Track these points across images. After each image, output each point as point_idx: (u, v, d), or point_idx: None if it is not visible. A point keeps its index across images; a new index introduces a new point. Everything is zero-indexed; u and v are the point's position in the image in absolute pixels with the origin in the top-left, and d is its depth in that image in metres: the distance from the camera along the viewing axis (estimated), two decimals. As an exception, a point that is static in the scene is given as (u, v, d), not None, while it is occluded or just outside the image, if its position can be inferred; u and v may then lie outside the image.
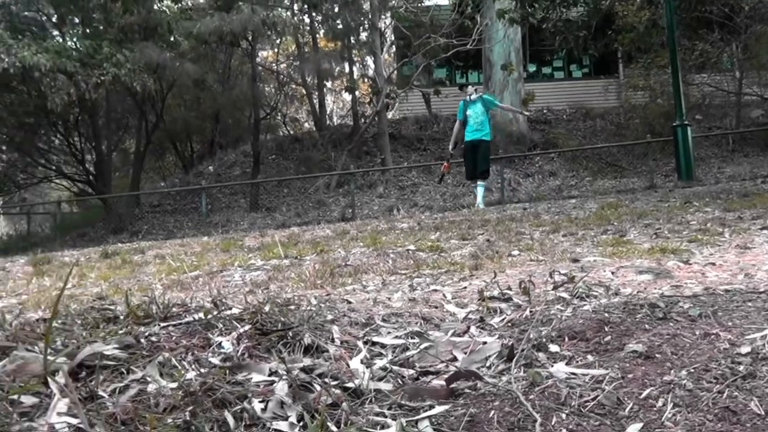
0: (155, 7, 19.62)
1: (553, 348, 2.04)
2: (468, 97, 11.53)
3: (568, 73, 23.99)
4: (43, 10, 20.35)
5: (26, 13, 19.89)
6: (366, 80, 24.83)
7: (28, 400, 1.66)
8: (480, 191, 11.86)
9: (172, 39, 19.04)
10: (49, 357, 1.85)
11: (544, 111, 21.79)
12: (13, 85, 18.24)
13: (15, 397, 1.63)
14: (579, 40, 14.64)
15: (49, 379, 1.74)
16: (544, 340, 2.09)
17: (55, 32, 20.29)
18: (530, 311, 2.40)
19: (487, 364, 1.96)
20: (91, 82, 16.53)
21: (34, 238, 20.27)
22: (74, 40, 19.66)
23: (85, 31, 19.72)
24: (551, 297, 2.70)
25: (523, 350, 1.95)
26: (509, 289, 2.88)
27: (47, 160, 22.82)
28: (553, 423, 1.55)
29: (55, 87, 16.63)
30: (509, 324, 2.32)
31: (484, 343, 2.11)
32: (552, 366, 1.89)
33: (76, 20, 20.64)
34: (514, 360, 1.90)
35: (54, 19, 20.50)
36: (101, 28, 19.03)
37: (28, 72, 16.09)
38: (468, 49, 17.33)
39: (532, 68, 23.34)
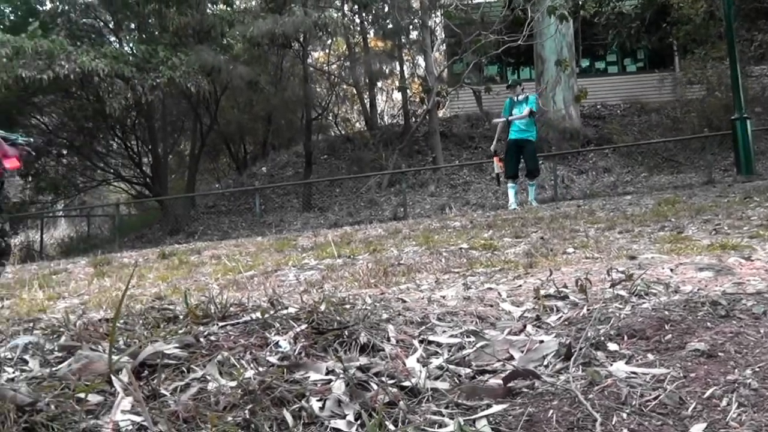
0: (208, 10, 19.94)
1: (612, 347, 2.01)
2: (516, 96, 11.42)
3: (622, 67, 23.56)
4: (101, 17, 20.85)
5: (84, 20, 20.39)
6: (417, 79, 24.81)
7: (93, 398, 1.70)
8: (532, 189, 11.79)
9: (225, 42, 19.31)
10: (112, 356, 1.90)
11: (598, 106, 21.45)
12: (72, 91, 18.74)
13: (81, 395, 1.68)
14: (632, 33, 14.38)
15: (113, 378, 1.78)
16: (602, 338, 2.06)
17: (113, 38, 20.78)
18: (588, 309, 2.36)
19: (545, 363, 1.94)
20: (147, 85, 16.88)
21: (94, 239, 20.81)
22: (131, 45, 20.12)
23: (141, 36, 20.15)
24: (609, 295, 2.66)
25: (581, 349, 1.93)
26: (565, 287, 2.84)
27: (106, 164, 23.34)
28: (613, 423, 1.53)
29: (112, 91, 17.03)
30: (566, 322, 2.30)
31: (541, 341, 2.08)
32: (611, 365, 1.86)
33: (132, 26, 21.11)
34: (572, 359, 1.88)
35: (111, 26, 20.99)
36: (156, 33, 19.41)
37: (86, 77, 16.51)
38: (519, 45, 17.14)
39: (584, 63, 22.98)
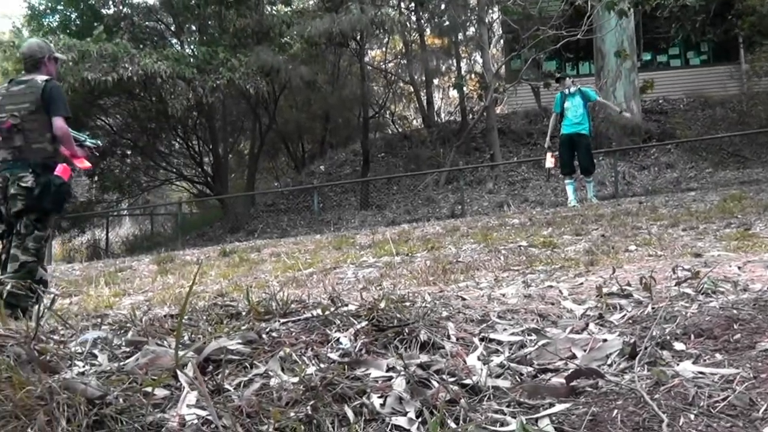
0: (267, 11, 20.18)
1: (678, 346, 1.97)
2: (566, 89, 11.25)
3: (685, 61, 22.98)
4: (163, 20, 21.28)
5: (147, 23, 20.86)
6: (474, 76, 24.65)
7: (159, 392, 1.74)
8: (590, 186, 11.60)
9: (283, 42, 19.51)
10: (178, 351, 1.94)
11: (660, 101, 20.97)
12: (136, 92, 19.17)
13: (148, 389, 1.72)
14: (697, 25, 14.01)
15: (179, 373, 1.82)
16: (668, 337, 2.01)
17: (174, 40, 21.20)
18: (652, 308, 2.31)
19: (608, 362, 1.90)
20: (208, 86, 17.17)
21: (157, 237, 21.29)
22: (191, 47, 20.49)
23: (201, 38, 20.50)
24: (674, 293, 2.60)
25: (646, 348, 1.89)
26: (629, 285, 2.78)
27: (168, 163, 23.81)
28: (680, 424, 1.49)
29: (174, 93, 17.35)
30: (630, 321, 2.25)
31: (604, 340, 2.05)
32: (678, 365, 1.82)
33: (193, 28, 21.48)
34: (637, 358, 1.84)
35: (172, 28, 21.40)
36: (216, 34, 19.71)
37: (149, 79, 16.88)
38: (578, 39, 16.85)
39: (646, 57, 22.47)
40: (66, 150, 4.96)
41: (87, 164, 5.15)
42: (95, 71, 15.86)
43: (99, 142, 5.90)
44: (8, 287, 3.94)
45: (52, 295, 2.81)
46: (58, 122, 4.86)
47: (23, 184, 4.76)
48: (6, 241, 4.93)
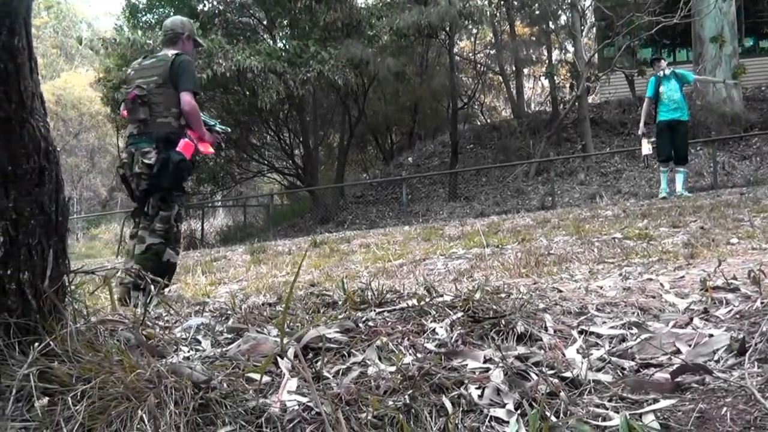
0: (356, 4, 20.31)
1: (791, 343, 1.88)
2: (660, 72, 10.82)
3: (791, 46, 21.92)
4: (255, 15, 21.69)
5: (240, 19, 21.31)
6: (565, 65, 24.19)
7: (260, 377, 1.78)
8: (681, 177, 11.13)
9: (372, 34, 19.61)
10: (277, 339, 1.98)
11: (762, 88, 20.04)
12: (229, 87, 19.63)
13: (251, 374, 1.76)
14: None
15: (279, 360, 1.86)
16: (779, 334, 1.93)
17: (266, 35, 21.59)
18: (761, 302, 2.22)
19: (715, 358, 1.84)
20: (298, 79, 17.43)
21: (250, 228, 21.78)
22: (283, 41, 20.82)
23: (292, 32, 20.82)
24: (784, 288, 2.48)
25: (756, 344, 1.81)
26: (734, 278, 2.68)
27: (260, 156, 24.28)
28: (795, 424, 1.43)
29: (265, 86, 17.68)
30: (738, 316, 2.16)
31: (711, 335, 1.98)
32: (790, 362, 1.74)
33: (285, 22, 21.81)
34: (747, 354, 1.77)
35: (264, 23, 21.79)
36: (307, 28, 19.97)
37: (242, 74, 17.27)
38: (675, 24, 16.27)
39: (748, 43, 21.53)
40: (194, 132, 4.86)
41: (211, 150, 5.08)
42: (192, 67, 16.35)
43: (228, 129, 5.77)
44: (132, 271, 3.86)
45: (160, 283, 2.89)
46: (186, 97, 4.75)
47: (146, 161, 4.65)
48: (137, 221, 4.85)
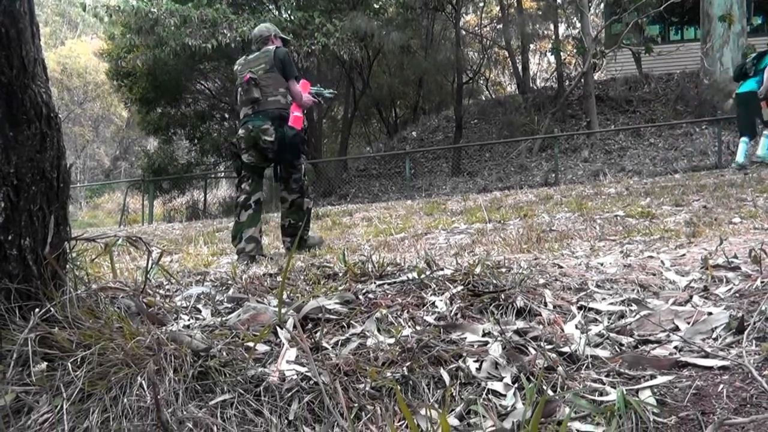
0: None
1: (789, 322, 1.88)
2: None
3: (801, 24, 21.72)
4: (261, -16, 21.50)
5: (249, -12, 21.10)
6: (572, 41, 23.99)
7: (260, 347, 1.79)
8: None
9: (377, 7, 19.43)
10: (277, 309, 1.99)
11: (771, 67, 19.89)
12: (234, 58, 19.47)
13: (250, 344, 1.77)
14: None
15: (278, 330, 1.87)
16: (778, 313, 1.93)
17: (271, 5, 21.39)
18: (761, 282, 2.22)
19: (713, 336, 1.84)
20: (303, 51, 17.30)
21: (253, 200, 21.73)
22: (288, 12, 20.64)
23: (298, 3, 20.63)
24: (785, 267, 2.48)
25: (755, 323, 1.81)
26: (735, 257, 2.68)
27: (264, 127, 24.18)
28: (791, 402, 1.43)
29: (270, 58, 17.54)
30: (737, 294, 2.17)
31: (710, 313, 1.98)
32: (788, 341, 1.74)
33: (290, -7, 21.63)
34: (745, 333, 1.77)
35: (270, -7, 21.61)
36: (312, -1, 19.82)
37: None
38: (684, 1, 16.11)
39: (757, 21, 21.32)
40: (298, 108, 5.56)
41: (299, 123, 5.57)
42: (195, 37, 16.24)
43: (336, 92, 7.05)
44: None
45: (159, 251, 2.91)
46: (294, 86, 5.55)
47: (268, 138, 5.42)
48: (246, 185, 5.59)
